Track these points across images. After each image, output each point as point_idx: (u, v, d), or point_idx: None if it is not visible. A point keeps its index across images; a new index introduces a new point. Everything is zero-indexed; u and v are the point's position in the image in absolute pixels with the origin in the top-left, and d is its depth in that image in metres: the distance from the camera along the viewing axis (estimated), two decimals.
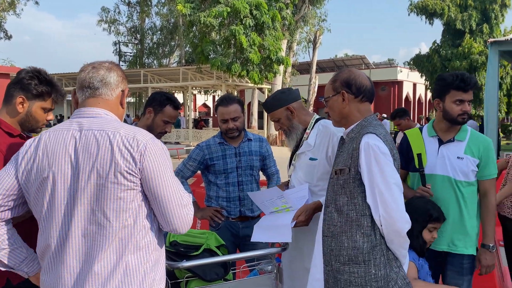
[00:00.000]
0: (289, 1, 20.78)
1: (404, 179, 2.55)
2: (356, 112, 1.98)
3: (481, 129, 16.18)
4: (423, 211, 2.22)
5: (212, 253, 2.34)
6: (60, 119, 28.35)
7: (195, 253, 2.29)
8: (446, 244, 2.40)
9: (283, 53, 20.01)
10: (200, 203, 3.12)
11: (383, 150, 1.81)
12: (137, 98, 34.48)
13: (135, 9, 34.19)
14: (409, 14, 23.55)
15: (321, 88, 34.26)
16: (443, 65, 22.94)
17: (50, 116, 2.06)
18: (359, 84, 1.96)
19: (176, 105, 2.71)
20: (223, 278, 2.18)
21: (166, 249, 2.24)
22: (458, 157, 2.37)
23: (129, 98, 36.80)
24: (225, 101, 2.90)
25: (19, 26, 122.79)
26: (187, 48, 30.44)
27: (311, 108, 29.79)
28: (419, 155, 2.44)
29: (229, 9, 17.58)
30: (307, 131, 2.47)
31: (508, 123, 31.51)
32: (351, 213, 1.87)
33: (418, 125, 5.57)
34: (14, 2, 28.43)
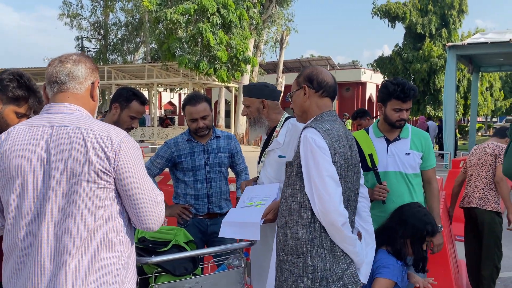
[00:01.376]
0: (256, 1, 20.87)
1: None
2: (315, 107, 2.04)
3: (439, 129, 16.90)
4: (421, 228, 2.26)
5: (181, 249, 2.36)
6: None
7: (163, 249, 2.30)
8: None
9: (250, 53, 20.09)
10: (167, 200, 3.11)
11: (319, 144, 1.85)
12: (100, 95, 33.62)
13: (99, 4, 33.29)
14: (372, 17, 24.18)
15: (287, 87, 34.54)
16: (404, 67, 23.72)
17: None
18: (320, 79, 2.02)
19: (143, 100, 2.70)
20: (192, 273, 2.20)
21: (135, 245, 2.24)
22: (405, 153, 2.65)
23: None
24: (193, 100, 2.90)
25: None
26: (152, 45, 29.92)
27: None
28: (370, 155, 2.59)
29: (196, 7, 17.47)
30: (277, 129, 2.52)
31: (465, 124, 32.94)
32: (293, 204, 1.91)
33: None
34: None
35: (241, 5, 19.18)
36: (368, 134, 2.71)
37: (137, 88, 27.75)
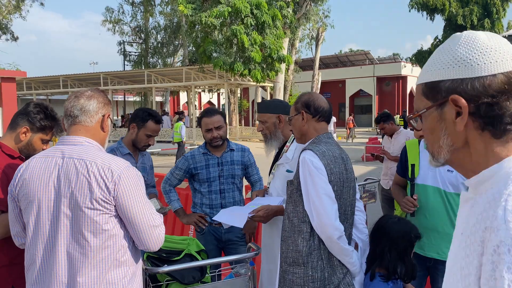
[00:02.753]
0: (289, 0, 20.89)
1: (404, 187, 2.75)
2: (313, 130, 2.20)
3: None
4: (407, 235, 2.23)
5: (193, 258, 2.56)
6: None
7: (176, 258, 2.51)
8: (435, 252, 2.54)
9: (284, 51, 20.15)
10: (187, 206, 3.34)
11: (316, 165, 2.02)
12: (142, 98, 34.77)
13: (139, 9, 34.41)
14: (409, 10, 23.54)
15: (324, 84, 34.39)
16: None
17: (47, 146, 2.28)
18: (317, 105, 2.19)
19: (158, 120, 2.94)
20: (200, 281, 2.39)
21: (149, 255, 2.47)
22: (448, 170, 2.49)
23: (135, 98, 37.12)
24: (208, 113, 3.14)
25: (25, 26, 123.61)
26: (190, 48, 30.61)
27: None
28: (412, 166, 2.61)
29: (230, 9, 17.75)
30: (288, 144, 2.68)
31: None
32: (294, 220, 2.09)
33: (402, 128, 5.71)
34: (19, 5, 28.80)
35: (274, 5, 19.28)
36: (419, 144, 2.67)
37: (176, 90, 28.43)
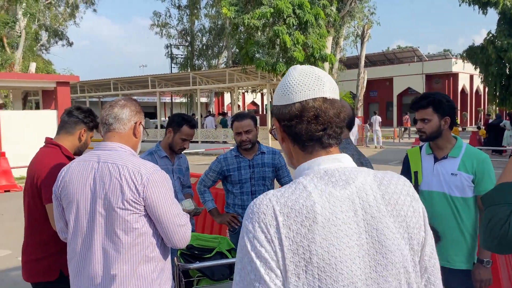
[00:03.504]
0: None
1: None
2: None
3: None
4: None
5: (223, 256, 2.69)
6: None
7: (208, 256, 2.65)
8: (445, 260, 2.42)
9: (328, 50, 20.00)
10: (221, 205, 3.49)
11: None
12: (189, 99, 35.66)
13: (185, 12, 35.34)
14: (460, 5, 22.53)
15: (370, 82, 33.70)
16: (498, 56, 21.76)
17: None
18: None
19: (192, 125, 3.12)
20: (229, 277, 2.52)
21: (183, 252, 2.62)
22: (452, 174, 2.42)
23: (181, 99, 38.13)
24: (239, 117, 3.28)
25: (79, 32, 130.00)
26: (233, 49, 31.05)
27: (361, 103, 29.45)
28: (415, 173, 2.55)
29: (272, 10, 17.87)
30: None
31: None
32: None
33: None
34: (74, 12, 30.48)
35: (317, 4, 19.18)
36: (421, 151, 2.60)
37: (220, 92, 28.86)
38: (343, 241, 0.93)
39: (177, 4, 34.95)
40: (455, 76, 36.37)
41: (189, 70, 32.14)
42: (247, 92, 33.17)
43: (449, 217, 2.42)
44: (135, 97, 35.12)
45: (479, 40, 23.66)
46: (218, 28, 34.17)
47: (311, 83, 1.05)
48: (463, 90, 37.93)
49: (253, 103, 48.03)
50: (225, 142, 21.79)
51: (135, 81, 26.58)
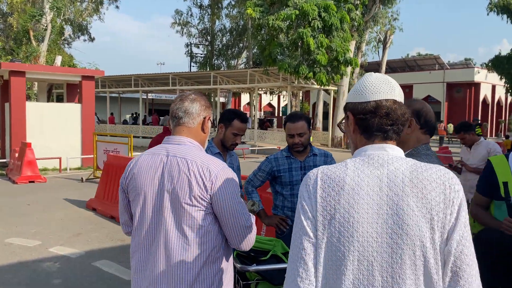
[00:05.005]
0: (358, 2, 20.52)
1: (487, 207, 2.50)
2: (415, 140, 2.06)
3: None
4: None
5: (278, 259, 2.60)
6: (135, 117, 30.25)
7: (263, 258, 2.57)
8: None
9: (351, 54, 19.82)
10: (266, 208, 3.40)
11: None
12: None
13: (207, 12, 35.46)
14: (488, 14, 22.14)
15: None
16: None
17: None
18: (428, 118, 2.07)
19: (243, 118, 3.05)
20: None
21: (239, 253, 2.55)
22: None
23: None
24: (293, 118, 3.16)
25: (100, 27, 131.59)
26: (254, 50, 31.01)
27: None
28: (505, 184, 2.36)
29: (297, 12, 17.78)
30: None
31: None
32: None
33: (482, 138, 5.38)
34: (98, 7, 30.80)
35: (342, 7, 19.03)
36: (508, 160, 2.41)
37: (238, 92, 28.88)
38: (363, 207, 1.17)
39: (199, 3, 35.11)
40: (477, 85, 35.79)
41: (208, 69, 32.21)
42: (266, 93, 33.09)
43: None
44: (152, 94, 35.39)
45: (501, 49, 23.29)
46: (240, 28, 34.20)
47: (385, 87, 1.29)
48: (484, 100, 37.29)
49: (269, 105, 47.99)
50: (243, 143, 21.76)
51: (155, 78, 26.73)
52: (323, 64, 18.29)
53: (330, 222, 1.20)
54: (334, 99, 23.64)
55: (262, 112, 42.62)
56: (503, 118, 39.37)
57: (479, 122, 23.68)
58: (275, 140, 21.68)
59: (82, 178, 11.38)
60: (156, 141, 2.66)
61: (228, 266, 1.87)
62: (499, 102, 39.89)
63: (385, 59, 29.54)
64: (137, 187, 1.82)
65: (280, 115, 40.73)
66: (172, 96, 34.65)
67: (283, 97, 38.93)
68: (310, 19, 17.91)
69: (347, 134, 1.38)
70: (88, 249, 5.58)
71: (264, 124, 26.44)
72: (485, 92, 36.85)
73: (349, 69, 19.96)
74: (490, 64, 23.59)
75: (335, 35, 18.60)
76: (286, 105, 37.35)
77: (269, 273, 2.39)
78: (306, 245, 1.22)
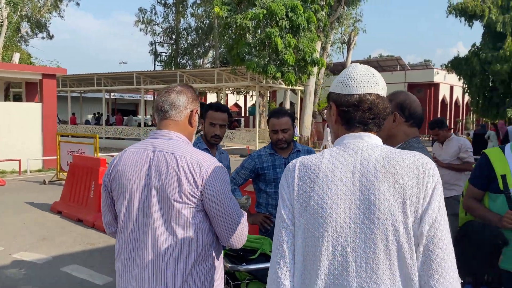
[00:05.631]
0: (324, 3, 20.78)
1: (480, 200, 2.48)
2: (403, 134, 2.06)
3: None
4: (493, 242, 2.13)
5: (267, 257, 2.53)
6: (98, 117, 29.37)
7: (252, 257, 2.49)
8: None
9: (317, 55, 20.04)
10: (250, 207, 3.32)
11: None
12: None
13: (171, 10, 34.91)
14: (447, 16, 23.03)
15: None
16: (482, 68, 22.33)
17: None
18: (412, 110, 2.04)
19: (216, 107, 3.02)
20: None
21: (227, 253, 2.46)
22: None
23: None
24: (277, 113, 3.10)
25: (59, 25, 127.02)
26: (221, 49, 30.82)
27: None
28: (503, 176, 2.32)
29: (265, 11, 17.78)
30: None
31: None
32: None
33: (453, 134, 5.53)
34: (57, 3, 29.63)
35: (309, 8, 19.20)
36: (504, 152, 2.39)
37: (206, 92, 28.59)
38: (336, 193, 1.20)
39: (163, 2, 34.52)
40: (436, 86, 37.13)
41: (173, 68, 31.70)
42: (233, 93, 32.98)
43: None
44: (115, 94, 34.46)
45: (456, 51, 24.28)
46: (206, 27, 33.89)
47: (369, 81, 1.29)
48: (443, 101, 38.76)
49: (236, 105, 47.84)
50: None
51: (119, 77, 26.04)
52: (291, 64, 18.39)
53: (305, 208, 1.23)
54: (301, 99, 23.84)
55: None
56: (460, 118, 41.05)
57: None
58: (243, 140, 21.64)
59: (44, 180, 10.88)
60: None
61: (219, 264, 1.80)
62: (456, 102, 41.59)
63: (350, 59, 30.09)
64: (122, 184, 1.72)
65: (247, 115, 40.69)
66: (136, 96, 33.84)
67: (250, 97, 38.94)
68: (277, 19, 17.96)
69: (328, 122, 1.41)
70: (56, 254, 5.31)
71: (232, 123, 26.32)
72: (444, 92, 38.31)
73: (315, 69, 20.17)
74: (449, 65, 24.53)
75: (302, 35, 18.75)
76: (253, 105, 37.41)
77: (260, 272, 2.32)
78: (283, 233, 1.26)
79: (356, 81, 1.29)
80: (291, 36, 18.18)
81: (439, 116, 35.90)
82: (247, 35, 19.08)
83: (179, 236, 1.64)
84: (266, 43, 18.44)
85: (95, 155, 9.88)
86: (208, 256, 1.71)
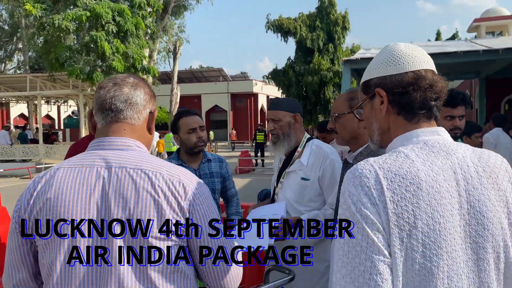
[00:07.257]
0: (151, 10, 20.19)
1: None
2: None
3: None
4: None
5: None
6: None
7: None
8: None
9: (147, 62, 19.29)
10: None
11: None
12: None
13: None
14: (266, 31, 25.18)
15: (181, 99, 34.08)
16: (297, 79, 25.12)
17: None
18: None
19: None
20: None
21: None
22: None
23: None
24: (188, 112, 2.73)
25: None
26: (31, 53, 26.95)
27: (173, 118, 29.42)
28: None
29: (88, 14, 16.20)
30: (298, 149, 2.39)
31: None
32: None
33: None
34: None
35: (137, 14, 18.35)
36: None
37: (16, 101, 24.62)
38: (447, 209, 0.94)
39: None
40: (255, 96, 40.14)
41: None
42: (48, 103, 29.21)
43: None
44: None
45: (263, 65, 26.94)
46: (7, 27, 29.19)
47: (422, 56, 1.07)
48: (262, 109, 42.20)
49: (48, 116, 42.45)
50: (24, 161, 18.49)
51: None
52: (120, 71, 17.20)
53: (410, 233, 0.92)
54: None
55: (40, 125, 37.41)
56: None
57: (263, 127, 26.54)
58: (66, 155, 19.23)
59: None
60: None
61: None
62: None
63: (177, 69, 30.06)
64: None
65: (61, 127, 36.52)
66: None
67: (70, 107, 35.12)
68: (103, 22, 16.59)
69: (369, 120, 1.14)
70: None
71: (50, 137, 23.17)
72: (262, 102, 41.71)
73: (149, 77, 19.42)
74: (270, 76, 26.84)
75: (131, 41, 17.79)
76: (69, 116, 33.86)
77: None
78: (381, 269, 0.90)
79: (406, 57, 1.07)
80: (119, 42, 17.02)
81: (259, 122, 38.97)
82: (67, 38, 17.08)
83: None
84: (91, 47, 16.84)
85: None
86: None
